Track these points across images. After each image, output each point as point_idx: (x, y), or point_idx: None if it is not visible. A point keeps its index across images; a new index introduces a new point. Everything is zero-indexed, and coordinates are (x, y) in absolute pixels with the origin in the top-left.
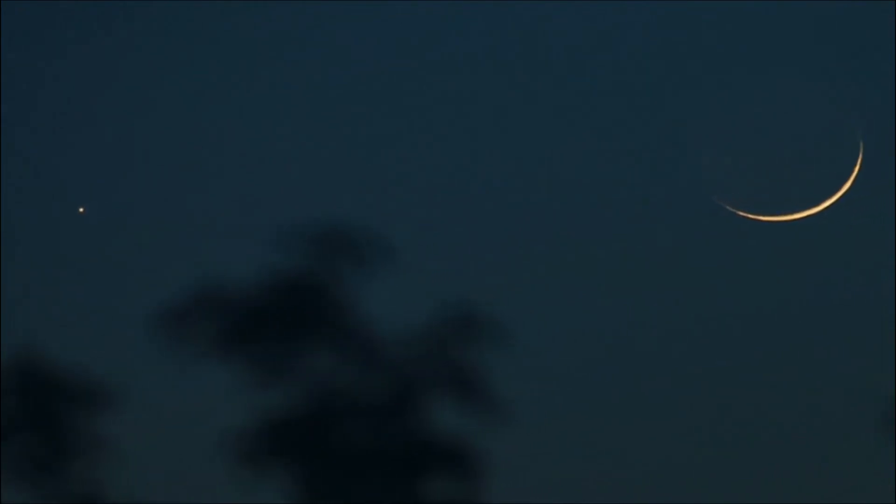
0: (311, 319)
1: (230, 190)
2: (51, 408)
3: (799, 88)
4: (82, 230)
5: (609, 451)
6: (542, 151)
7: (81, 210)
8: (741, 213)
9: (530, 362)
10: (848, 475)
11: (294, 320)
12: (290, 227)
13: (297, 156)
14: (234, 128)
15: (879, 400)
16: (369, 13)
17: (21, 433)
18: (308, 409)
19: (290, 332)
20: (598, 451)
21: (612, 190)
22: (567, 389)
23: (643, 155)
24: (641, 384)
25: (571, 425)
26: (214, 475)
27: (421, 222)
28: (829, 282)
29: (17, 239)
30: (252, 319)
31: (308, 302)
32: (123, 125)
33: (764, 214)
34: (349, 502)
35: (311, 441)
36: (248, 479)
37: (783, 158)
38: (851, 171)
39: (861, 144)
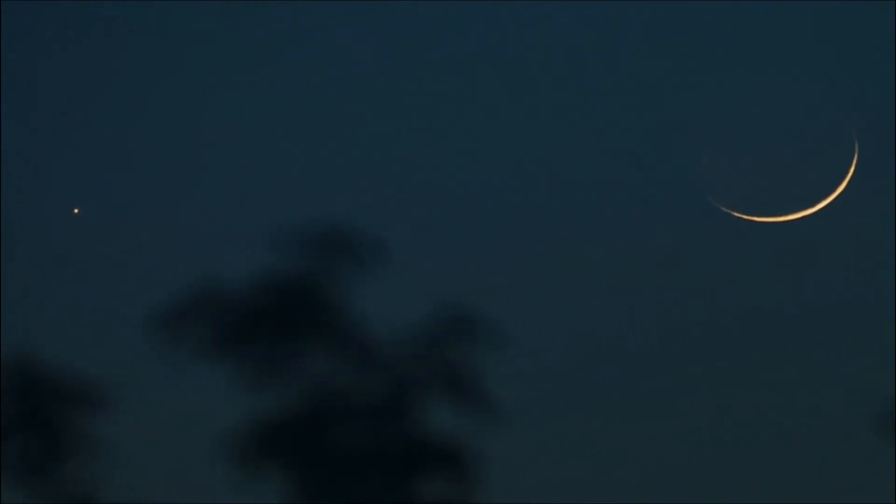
0: (308, 320)
1: (226, 191)
2: (47, 408)
3: (796, 89)
4: (78, 231)
5: (605, 452)
6: (540, 151)
7: (76, 211)
8: (736, 215)
9: (527, 363)
10: (847, 475)
11: (290, 321)
12: (287, 228)
13: (293, 156)
14: (231, 128)
15: (878, 400)
16: (369, 13)
17: (17, 434)
18: (304, 410)
19: (286, 333)
20: (594, 451)
21: (609, 190)
22: (563, 390)
23: (641, 155)
24: (638, 385)
25: (568, 426)
26: (211, 475)
27: (417, 222)
28: (827, 282)
29: (12, 240)
30: (248, 320)
31: (304, 303)
32: (119, 125)
33: (759, 215)
34: (345, 503)
35: (308, 442)
36: (245, 479)
37: (779, 159)
38: (847, 172)
39: (856, 145)
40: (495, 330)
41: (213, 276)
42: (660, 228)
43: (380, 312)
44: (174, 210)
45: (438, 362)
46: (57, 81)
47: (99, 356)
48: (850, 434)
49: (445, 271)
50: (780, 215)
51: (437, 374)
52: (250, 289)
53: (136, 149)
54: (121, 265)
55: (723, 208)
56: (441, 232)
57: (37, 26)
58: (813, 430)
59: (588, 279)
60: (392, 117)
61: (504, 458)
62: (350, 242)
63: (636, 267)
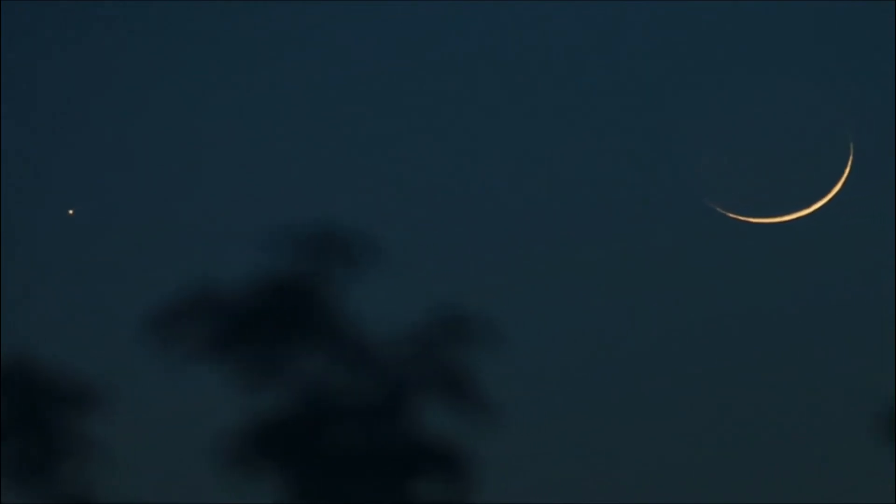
0: (303, 321)
1: (224, 191)
2: (43, 409)
3: (794, 89)
4: (72, 232)
5: (603, 453)
6: (539, 151)
7: (70, 212)
8: (732, 216)
9: (523, 363)
10: (847, 475)
11: (285, 322)
12: (282, 229)
13: (290, 156)
14: (228, 129)
15: (878, 400)
16: (369, 13)
17: (14, 435)
18: (300, 411)
19: (282, 334)
20: (591, 452)
21: (608, 190)
22: (560, 391)
23: (641, 155)
24: (636, 385)
25: (565, 426)
26: (206, 476)
27: (413, 223)
28: (826, 282)
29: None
30: (244, 321)
31: (299, 304)
32: (118, 125)
33: (755, 216)
34: (341, 503)
35: (304, 442)
36: (241, 479)
37: (775, 160)
38: (842, 173)
39: (851, 145)
40: (492, 330)
41: (209, 276)
42: (659, 228)
43: (376, 313)
44: (171, 210)
45: (435, 363)
46: (56, 81)
47: (96, 357)
48: (850, 434)
49: (442, 271)
50: (776, 216)
51: (434, 375)
52: (247, 289)
53: (134, 149)
54: (117, 266)
55: (719, 210)
56: (439, 232)
57: (36, 26)
58: (813, 430)
59: (586, 279)
60: (391, 117)
61: (500, 458)
62: (347, 243)
63: (635, 267)
